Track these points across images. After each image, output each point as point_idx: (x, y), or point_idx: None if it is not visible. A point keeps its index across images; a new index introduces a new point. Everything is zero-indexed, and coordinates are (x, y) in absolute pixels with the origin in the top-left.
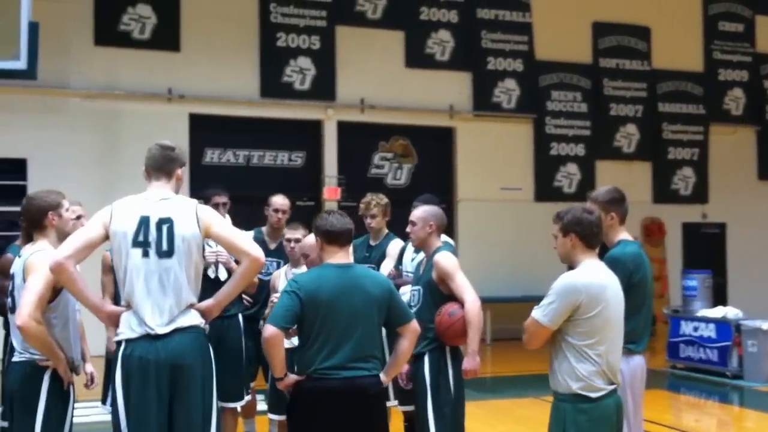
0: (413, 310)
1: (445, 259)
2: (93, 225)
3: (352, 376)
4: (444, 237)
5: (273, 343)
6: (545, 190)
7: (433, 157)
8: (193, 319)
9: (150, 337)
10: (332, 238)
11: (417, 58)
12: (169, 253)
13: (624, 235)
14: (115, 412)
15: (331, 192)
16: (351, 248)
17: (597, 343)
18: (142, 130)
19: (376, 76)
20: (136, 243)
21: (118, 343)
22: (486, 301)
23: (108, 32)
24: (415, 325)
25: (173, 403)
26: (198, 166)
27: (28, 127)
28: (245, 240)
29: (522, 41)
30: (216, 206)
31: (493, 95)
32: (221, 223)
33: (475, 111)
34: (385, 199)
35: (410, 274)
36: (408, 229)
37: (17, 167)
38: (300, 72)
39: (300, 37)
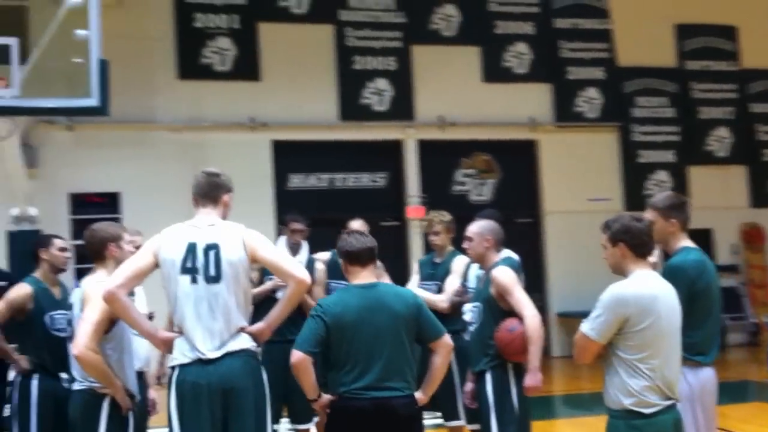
0: (473, 327)
1: (502, 274)
2: (143, 253)
3: (382, 397)
4: (507, 252)
5: (301, 368)
6: (635, 199)
7: (517, 171)
8: (244, 342)
9: (201, 362)
10: (353, 258)
11: (495, 72)
12: (216, 279)
13: (686, 242)
14: None
15: (414, 211)
16: (376, 267)
17: (649, 356)
18: (226, 158)
19: (454, 93)
20: (184, 269)
21: (172, 368)
22: (575, 316)
23: (191, 66)
24: (446, 339)
25: (227, 426)
26: (282, 192)
27: (120, 161)
28: (290, 263)
29: (602, 48)
30: (294, 232)
31: (575, 105)
32: (267, 247)
33: (557, 122)
34: (448, 216)
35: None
36: (465, 245)
37: (112, 201)
38: (378, 93)
39: (376, 59)
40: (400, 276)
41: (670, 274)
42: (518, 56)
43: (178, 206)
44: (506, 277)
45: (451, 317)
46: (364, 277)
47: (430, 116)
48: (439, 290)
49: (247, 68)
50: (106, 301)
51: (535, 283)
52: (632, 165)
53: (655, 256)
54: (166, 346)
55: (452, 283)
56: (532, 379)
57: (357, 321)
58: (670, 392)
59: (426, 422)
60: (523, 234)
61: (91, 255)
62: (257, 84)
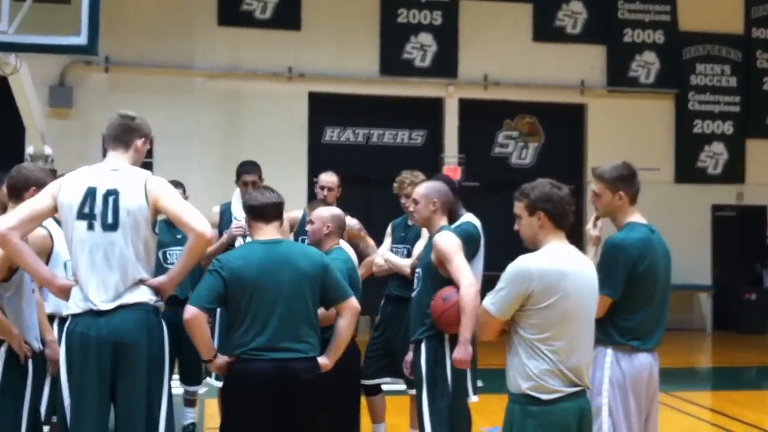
0: (413, 293)
1: (444, 240)
2: (42, 196)
3: (282, 358)
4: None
5: (194, 324)
6: (687, 171)
7: (562, 136)
8: (141, 295)
9: (93, 313)
10: (255, 213)
11: (546, 31)
12: (114, 226)
13: (635, 217)
14: (60, 389)
15: (451, 171)
16: (282, 224)
17: (552, 337)
18: (262, 109)
19: (502, 52)
20: (81, 215)
21: (67, 317)
22: None
23: (231, 12)
24: (352, 303)
25: (116, 382)
26: (317, 145)
27: (156, 106)
28: (192, 214)
29: (664, 11)
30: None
31: (630, 69)
32: (171, 196)
33: (609, 86)
34: (420, 176)
35: None
36: (411, 208)
37: None
38: (421, 48)
39: (421, 13)
40: None
41: (609, 251)
42: (572, 15)
43: (210, 155)
44: (447, 242)
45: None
46: (267, 233)
47: (473, 75)
48: (410, 254)
49: (287, 17)
50: None
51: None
52: (686, 135)
53: (597, 229)
54: (63, 294)
55: (419, 247)
56: (461, 351)
57: (257, 277)
58: (577, 378)
59: (389, 388)
60: None
61: (10, 193)
62: (297, 33)
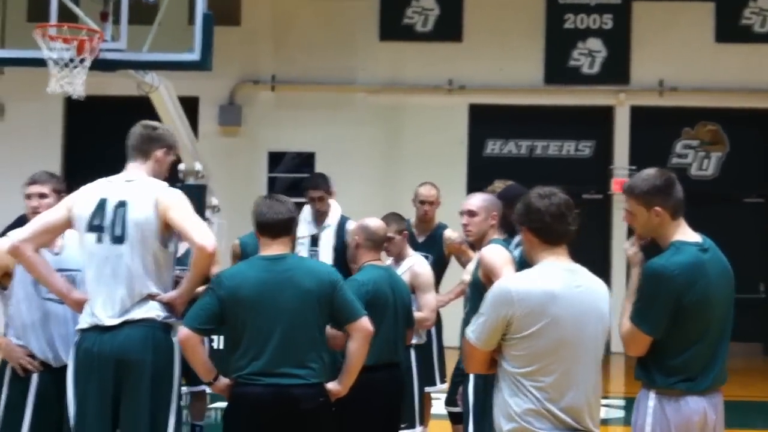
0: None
1: (490, 253)
2: (58, 207)
3: (279, 384)
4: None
5: (187, 346)
6: None
7: (749, 145)
8: (149, 311)
9: (99, 329)
10: (263, 228)
11: (730, 31)
12: (120, 239)
13: (681, 234)
14: (68, 405)
15: (620, 184)
16: (291, 240)
17: (538, 372)
18: (422, 122)
19: (680, 55)
20: (91, 227)
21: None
22: None
23: (392, 26)
24: (363, 323)
25: (120, 400)
26: (478, 158)
27: (317, 122)
28: (196, 227)
29: None
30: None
31: None
32: (180, 209)
33: None
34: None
35: None
36: (464, 221)
37: (307, 161)
38: (589, 54)
39: (590, 17)
40: (602, 256)
41: (648, 280)
42: (760, 12)
43: (371, 169)
44: (494, 255)
45: None
46: (273, 249)
47: (647, 80)
48: None
49: (449, 28)
50: (11, 255)
51: (760, 269)
52: None
53: (633, 248)
54: (78, 307)
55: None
56: None
57: (255, 296)
58: (573, 421)
59: None
60: (755, 214)
61: None
62: (458, 45)
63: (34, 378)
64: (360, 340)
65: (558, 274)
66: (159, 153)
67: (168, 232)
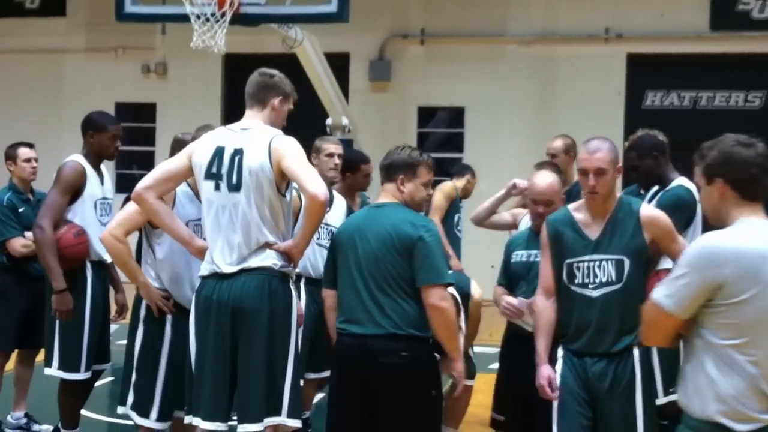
0: (610, 288)
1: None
2: (179, 155)
3: (363, 335)
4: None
5: (326, 306)
6: None
7: None
8: (266, 260)
9: (218, 276)
10: (381, 171)
11: None
12: (237, 187)
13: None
14: (189, 350)
15: None
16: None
17: (749, 344)
18: (576, 74)
19: None
20: (209, 175)
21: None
22: None
23: None
24: (438, 291)
25: (238, 348)
26: (637, 111)
27: (468, 76)
28: (309, 176)
29: None
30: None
31: None
32: (294, 157)
33: None
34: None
35: None
36: (592, 182)
37: (457, 116)
38: None
39: None
40: None
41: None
42: None
43: (522, 123)
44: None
45: None
46: (383, 196)
47: None
48: None
49: None
50: (135, 201)
51: None
52: None
53: None
54: (201, 254)
55: None
56: None
57: (348, 243)
58: None
59: None
60: None
61: None
62: None
63: (169, 319)
64: (432, 314)
65: (765, 233)
66: (275, 101)
67: (283, 180)
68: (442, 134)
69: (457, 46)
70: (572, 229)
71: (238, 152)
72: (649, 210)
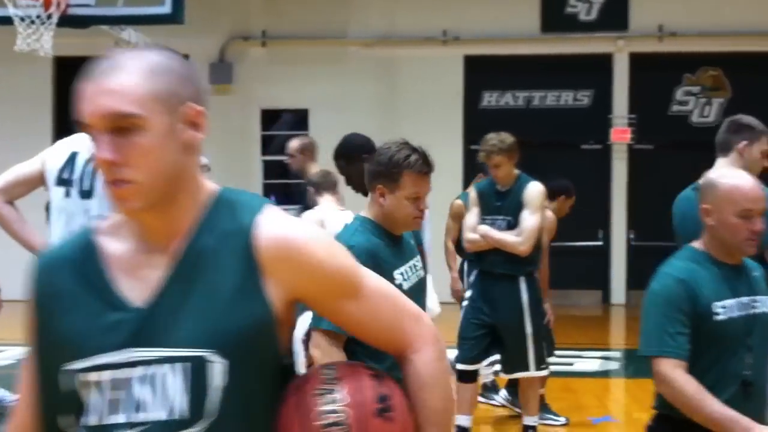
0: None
1: None
2: (33, 160)
3: None
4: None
5: None
6: None
7: (752, 89)
8: None
9: None
10: None
11: None
12: (89, 194)
13: None
14: None
15: (619, 134)
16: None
17: None
18: (416, 75)
19: None
20: (59, 181)
21: None
22: None
23: None
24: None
25: None
26: (474, 110)
27: (311, 78)
28: None
29: None
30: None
31: None
32: None
33: None
34: (509, 139)
35: None
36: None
37: (300, 118)
38: (586, 1)
39: None
40: (602, 207)
41: None
42: None
43: (366, 124)
44: None
45: (526, 259)
46: None
47: (646, 26)
48: (510, 227)
49: None
50: None
51: None
52: None
53: None
54: None
55: (529, 221)
56: None
57: None
58: None
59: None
60: None
61: None
62: None
63: None
64: None
65: None
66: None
67: None
68: (286, 137)
69: (299, 48)
70: None
71: (92, 159)
72: None
